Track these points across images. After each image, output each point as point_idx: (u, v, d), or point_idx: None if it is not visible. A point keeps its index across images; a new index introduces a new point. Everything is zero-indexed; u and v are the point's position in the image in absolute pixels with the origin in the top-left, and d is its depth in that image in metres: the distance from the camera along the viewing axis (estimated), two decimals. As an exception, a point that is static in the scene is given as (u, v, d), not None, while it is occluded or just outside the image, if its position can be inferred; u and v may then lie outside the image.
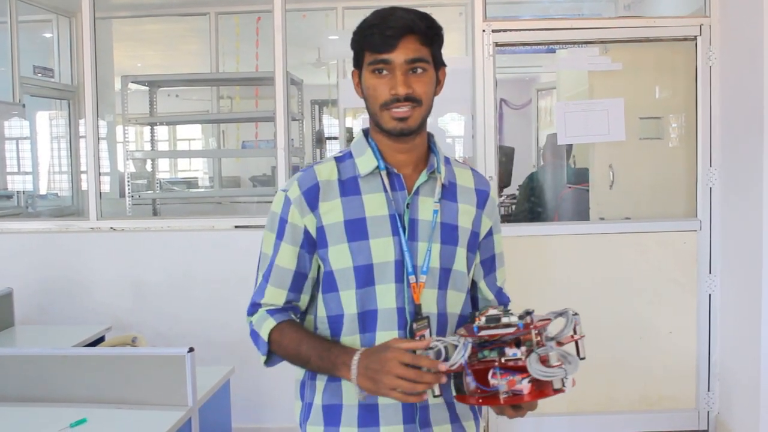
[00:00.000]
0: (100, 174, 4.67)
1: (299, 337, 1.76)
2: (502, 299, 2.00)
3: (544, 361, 1.54)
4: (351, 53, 1.83)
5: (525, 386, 1.56)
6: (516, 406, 1.61)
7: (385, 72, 1.73)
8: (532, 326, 1.56)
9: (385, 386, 1.58)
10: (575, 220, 5.51)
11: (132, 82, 6.22)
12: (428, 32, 1.75)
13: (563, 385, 1.55)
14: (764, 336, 3.86)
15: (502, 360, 1.58)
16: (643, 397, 4.50)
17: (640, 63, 4.83)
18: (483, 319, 1.60)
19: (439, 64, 1.81)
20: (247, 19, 6.72)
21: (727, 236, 4.32)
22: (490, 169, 4.39)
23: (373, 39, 1.72)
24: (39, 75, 5.92)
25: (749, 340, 4.01)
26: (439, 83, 1.82)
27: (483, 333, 1.59)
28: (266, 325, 1.79)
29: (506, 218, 6.64)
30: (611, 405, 4.50)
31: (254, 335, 1.83)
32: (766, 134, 3.79)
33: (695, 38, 4.39)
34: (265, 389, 4.44)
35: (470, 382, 1.62)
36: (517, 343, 1.58)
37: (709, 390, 4.47)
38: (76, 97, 5.96)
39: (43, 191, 6.46)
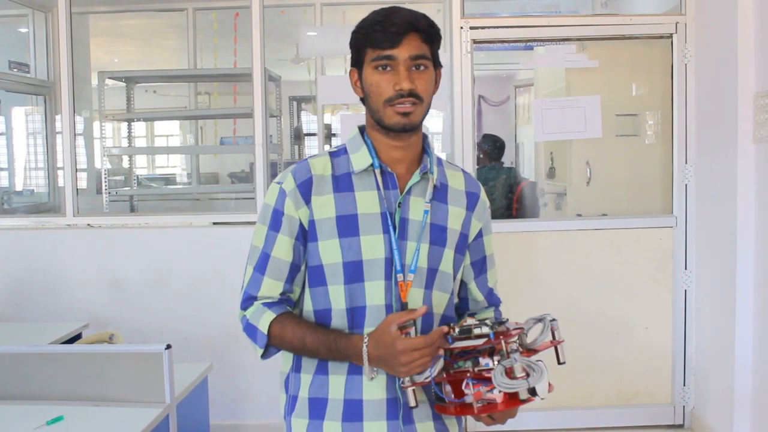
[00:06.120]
0: (76, 170, 4.65)
1: (302, 330, 1.77)
2: (493, 300, 2.03)
3: (510, 372, 1.56)
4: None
5: (498, 396, 1.58)
6: (492, 414, 1.66)
7: (388, 68, 1.75)
8: (502, 336, 1.58)
9: (399, 373, 1.66)
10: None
11: (109, 77, 6.18)
12: (429, 31, 1.78)
13: (533, 395, 1.57)
14: (739, 331, 3.90)
15: (475, 370, 1.61)
16: (619, 392, 4.54)
17: (617, 60, 4.86)
18: (457, 330, 1.63)
19: (437, 64, 1.83)
20: (225, 14, 6.69)
21: (703, 232, 4.36)
22: (467, 165, 4.40)
23: (376, 35, 1.75)
24: (15, 70, 5.86)
25: (724, 335, 4.05)
26: (436, 83, 1.84)
27: (456, 344, 1.62)
28: (265, 317, 1.79)
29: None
30: (588, 400, 4.54)
31: (250, 329, 1.82)
32: (740, 131, 3.83)
33: (671, 36, 4.43)
34: (242, 386, 4.44)
35: (449, 392, 1.65)
36: (492, 353, 1.61)
37: (684, 385, 4.51)
38: (53, 92, 5.90)
39: (19, 187, 6.39)
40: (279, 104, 6.45)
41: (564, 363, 1.70)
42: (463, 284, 1.99)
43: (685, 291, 4.48)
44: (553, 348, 1.70)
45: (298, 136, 8.93)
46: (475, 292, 2.00)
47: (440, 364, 1.64)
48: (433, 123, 5.36)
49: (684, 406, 4.53)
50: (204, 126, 9.69)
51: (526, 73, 8.88)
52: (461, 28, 4.39)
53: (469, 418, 1.80)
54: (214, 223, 4.56)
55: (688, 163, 4.43)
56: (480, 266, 2.00)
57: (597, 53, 4.62)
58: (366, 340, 1.68)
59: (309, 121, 9.92)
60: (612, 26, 4.51)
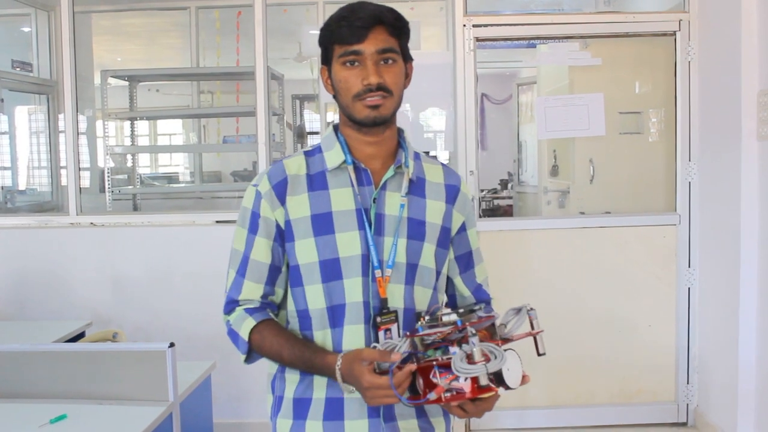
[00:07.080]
0: (79, 169, 4.65)
1: (279, 343, 1.77)
2: (481, 296, 2.00)
3: (470, 358, 1.53)
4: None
5: (465, 384, 1.54)
6: (464, 407, 1.61)
7: (356, 63, 1.75)
8: (468, 324, 1.56)
9: (365, 400, 1.63)
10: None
11: (112, 76, 6.19)
12: (396, 24, 1.77)
13: (500, 384, 1.54)
14: (742, 329, 3.90)
15: (442, 358, 1.58)
16: (622, 390, 4.54)
17: (620, 58, 4.85)
18: (427, 318, 1.62)
19: (407, 57, 1.83)
20: (228, 13, 6.69)
21: (706, 230, 4.36)
22: (470, 163, 4.40)
23: (342, 31, 1.74)
24: (17, 69, 5.86)
25: (727, 333, 4.04)
26: (407, 77, 1.84)
27: (425, 332, 1.60)
28: (245, 325, 1.79)
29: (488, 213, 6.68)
30: (591, 398, 4.53)
31: (233, 335, 1.83)
32: (744, 129, 3.82)
33: (674, 33, 4.43)
34: (246, 384, 4.44)
35: (422, 383, 1.63)
36: (461, 343, 1.58)
37: (688, 383, 4.51)
38: (56, 91, 5.90)
39: (22, 186, 6.40)
40: (282, 102, 6.45)
41: (543, 354, 1.66)
42: (449, 280, 1.97)
43: (689, 289, 4.47)
44: (532, 339, 1.67)
45: (301, 135, 8.91)
46: (461, 288, 1.98)
47: (404, 348, 1.60)
48: (435, 121, 5.35)
49: (687, 404, 4.52)
50: (207, 124, 9.68)
51: (529, 71, 8.88)
52: (464, 26, 4.38)
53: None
54: (217, 222, 4.57)
55: (692, 160, 4.42)
56: (466, 261, 1.97)
57: (600, 51, 4.61)
58: (339, 362, 1.67)
59: (312, 120, 9.91)
60: (615, 24, 4.50)
